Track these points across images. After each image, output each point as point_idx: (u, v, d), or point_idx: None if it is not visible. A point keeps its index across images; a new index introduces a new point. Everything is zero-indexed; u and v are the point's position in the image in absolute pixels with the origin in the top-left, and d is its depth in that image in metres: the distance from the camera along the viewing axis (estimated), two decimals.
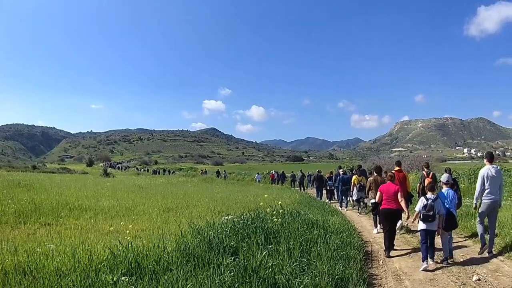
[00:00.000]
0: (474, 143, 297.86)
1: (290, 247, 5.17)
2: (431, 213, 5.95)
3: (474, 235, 7.66)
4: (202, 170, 50.38)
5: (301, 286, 4.03)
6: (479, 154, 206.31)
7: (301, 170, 28.70)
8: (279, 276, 4.13)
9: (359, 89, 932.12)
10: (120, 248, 4.76)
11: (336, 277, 4.49)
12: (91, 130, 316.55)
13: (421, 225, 6.09)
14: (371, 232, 9.11)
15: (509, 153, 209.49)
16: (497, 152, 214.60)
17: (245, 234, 5.56)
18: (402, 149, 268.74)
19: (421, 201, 6.12)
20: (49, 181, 22.21)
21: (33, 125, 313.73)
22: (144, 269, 4.27)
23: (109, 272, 4.11)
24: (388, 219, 7.08)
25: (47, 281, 3.83)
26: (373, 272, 5.78)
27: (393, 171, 8.56)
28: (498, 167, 6.66)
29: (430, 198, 6.05)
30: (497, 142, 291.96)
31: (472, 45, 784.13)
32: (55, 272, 4.02)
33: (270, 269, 4.24)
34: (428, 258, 5.90)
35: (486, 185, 6.35)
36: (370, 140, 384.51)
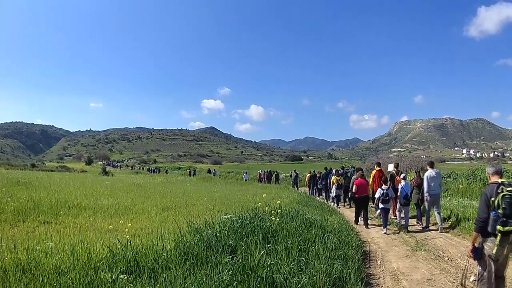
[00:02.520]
0: (473, 144, 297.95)
1: (288, 247, 5.19)
2: (387, 198, 9.40)
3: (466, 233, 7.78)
4: (190, 170, 53.29)
5: (299, 285, 4.05)
6: (478, 155, 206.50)
7: (295, 170, 29.43)
8: (277, 275, 4.14)
9: (358, 89, 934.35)
10: (119, 246, 4.77)
11: (334, 276, 4.51)
12: (90, 129, 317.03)
13: (381, 205, 9.43)
14: (369, 232, 9.31)
15: (508, 154, 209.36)
16: (496, 153, 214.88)
17: (244, 233, 5.56)
18: (401, 149, 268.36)
19: (379, 192, 9.53)
20: (48, 180, 22.18)
21: (32, 123, 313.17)
22: (143, 267, 4.29)
23: (108, 270, 4.12)
24: (360, 203, 10.58)
25: (46, 278, 3.84)
26: (371, 272, 5.81)
27: (362, 171, 11.53)
28: (438, 170, 9.72)
29: (384, 188, 9.47)
30: (496, 143, 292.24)
31: (472, 45, 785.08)
32: (54, 270, 4.03)
33: (268, 268, 4.25)
34: (387, 226, 9.22)
35: (432, 183, 9.19)
36: (369, 140, 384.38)
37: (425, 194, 9.24)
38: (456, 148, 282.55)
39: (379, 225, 9.93)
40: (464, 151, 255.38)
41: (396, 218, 10.02)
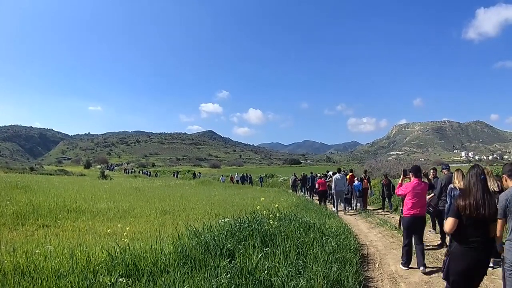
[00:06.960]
0: (472, 147, 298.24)
1: (287, 250, 5.20)
2: (348, 192, 14.50)
3: None
4: (174, 173, 60.17)
5: None
6: (476, 158, 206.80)
7: (294, 174, 29.52)
8: (275, 278, 4.16)
9: (356, 92, 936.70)
10: (118, 250, 4.78)
11: (332, 279, 4.52)
12: (89, 132, 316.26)
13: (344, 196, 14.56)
14: (368, 235, 9.33)
15: (506, 157, 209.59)
16: (494, 156, 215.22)
17: (242, 237, 5.57)
18: (400, 153, 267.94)
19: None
20: (46, 183, 22.13)
21: (31, 127, 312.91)
22: (142, 270, 4.30)
23: (107, 274, 4.14)
24: (321, 196, 15.87)
25: (46, 282, 3.85)
26: (369, 275, 5.83)
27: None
28: (343, 175, 14.31)
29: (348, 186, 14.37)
30: (495, 146, 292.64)
31: (471, 48, 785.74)
32: (54, 273, 4.04)
33: (266, 271, 4.27)
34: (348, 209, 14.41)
35: (337, 183, 13.59)
36: (368, 143, 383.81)
37: (333, 191, 14.08)
38: (454, 151, 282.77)
39: (352, 215, 13.64)
40: (463, 153, 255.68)
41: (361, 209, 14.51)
